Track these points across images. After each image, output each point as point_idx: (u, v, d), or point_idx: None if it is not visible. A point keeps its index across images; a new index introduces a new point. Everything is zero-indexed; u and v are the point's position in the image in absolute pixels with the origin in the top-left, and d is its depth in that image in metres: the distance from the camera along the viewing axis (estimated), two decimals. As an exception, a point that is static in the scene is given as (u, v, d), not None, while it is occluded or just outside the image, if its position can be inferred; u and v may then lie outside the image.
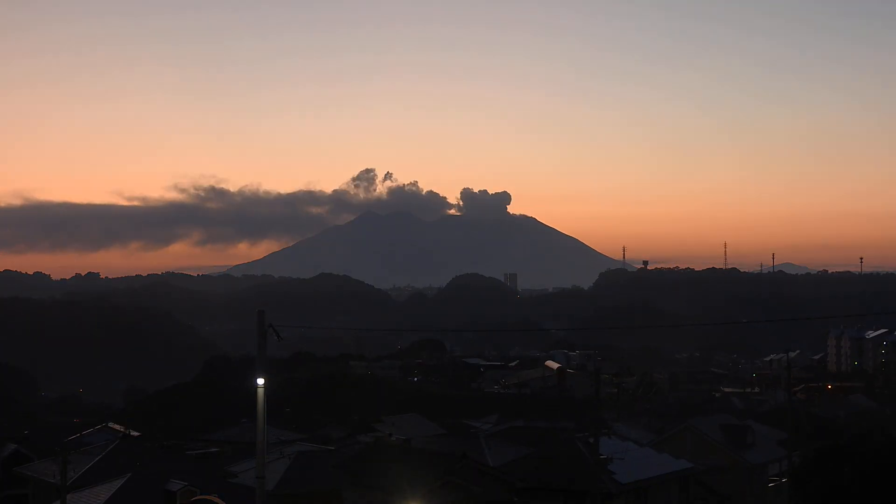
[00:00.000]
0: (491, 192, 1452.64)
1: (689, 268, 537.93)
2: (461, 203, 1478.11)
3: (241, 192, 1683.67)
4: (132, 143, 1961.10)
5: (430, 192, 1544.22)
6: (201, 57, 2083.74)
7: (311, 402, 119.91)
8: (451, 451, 54.44)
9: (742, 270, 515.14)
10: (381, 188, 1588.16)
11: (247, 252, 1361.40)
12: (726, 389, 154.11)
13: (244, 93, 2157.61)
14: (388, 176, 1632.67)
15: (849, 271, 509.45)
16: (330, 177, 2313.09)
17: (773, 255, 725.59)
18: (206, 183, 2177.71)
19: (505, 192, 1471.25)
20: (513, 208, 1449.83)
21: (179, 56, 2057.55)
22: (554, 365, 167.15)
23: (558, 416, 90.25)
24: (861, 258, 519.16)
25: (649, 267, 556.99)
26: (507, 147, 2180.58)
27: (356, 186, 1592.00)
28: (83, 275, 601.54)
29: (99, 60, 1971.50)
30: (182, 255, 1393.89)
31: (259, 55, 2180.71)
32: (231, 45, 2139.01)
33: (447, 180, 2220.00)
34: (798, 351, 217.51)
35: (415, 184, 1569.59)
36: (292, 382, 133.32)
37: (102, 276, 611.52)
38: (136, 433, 73.19)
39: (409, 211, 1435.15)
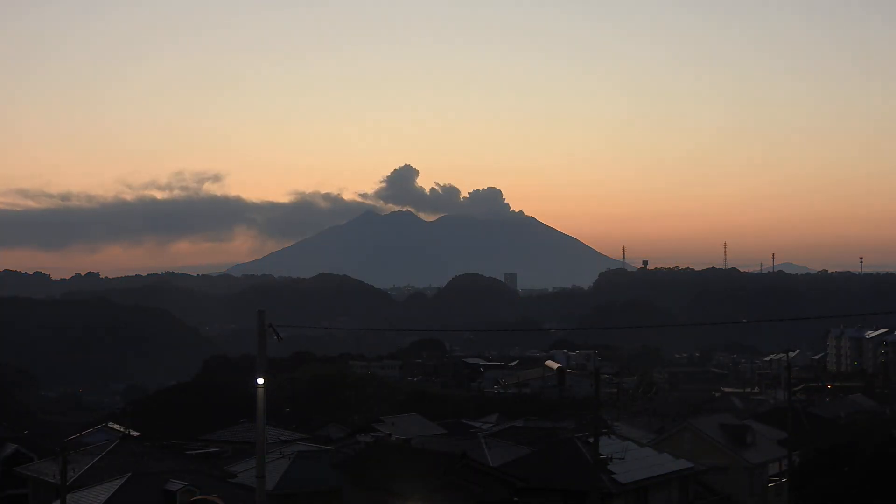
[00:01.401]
0: (490, 192, 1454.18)
1: (689, 268, 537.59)
2: (461, 203, 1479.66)
3: (240, 192, 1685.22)
4: (136, 137, 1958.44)
5: (431, 192, 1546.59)
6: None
7: (311, 402, 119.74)
8: (451, 451, 54.35)
9: (742, 270, 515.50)
10: (381, 188, 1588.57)
11: (247, 252, 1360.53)
12: (726, 389, 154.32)
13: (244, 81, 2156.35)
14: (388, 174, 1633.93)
15: (849, 271, 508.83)
16: (328, 176, 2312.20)
17: (773, 255, 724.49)
18: (205, 180, 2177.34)
19: (504, 191, 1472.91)
20: (513, 208, 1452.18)
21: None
22: (554, 365, 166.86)
23: (558, 416, 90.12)
24: (861, 258, 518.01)
25: (649, 267, 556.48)
26: (508, 147, 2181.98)
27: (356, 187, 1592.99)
28: (83, 275, 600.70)
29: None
30: (182, 255, 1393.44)
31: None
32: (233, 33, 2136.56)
33: (447, 180, 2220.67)
34: (798, 351, 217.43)
35: (414, 184, 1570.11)
36: (292, 382, 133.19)
37: (102, 276, 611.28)
38: (136, 433, 73.09)
39: (409, 210, 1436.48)
